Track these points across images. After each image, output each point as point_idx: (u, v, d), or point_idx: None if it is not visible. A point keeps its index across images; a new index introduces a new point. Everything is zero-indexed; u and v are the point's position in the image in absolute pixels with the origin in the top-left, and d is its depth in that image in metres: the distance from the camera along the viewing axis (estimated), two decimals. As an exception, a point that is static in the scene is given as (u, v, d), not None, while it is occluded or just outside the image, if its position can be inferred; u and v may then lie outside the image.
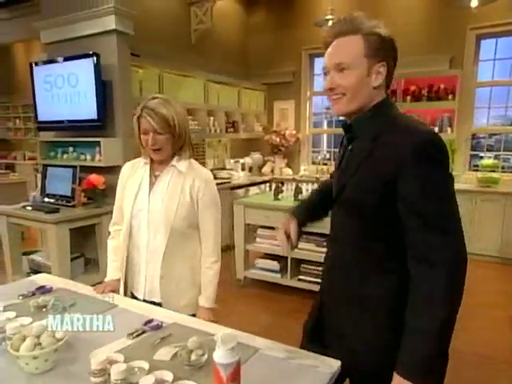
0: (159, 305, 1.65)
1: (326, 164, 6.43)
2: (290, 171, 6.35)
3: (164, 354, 1.19)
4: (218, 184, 4.76)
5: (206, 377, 1.06)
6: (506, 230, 4.64)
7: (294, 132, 6.34)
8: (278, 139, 6.24)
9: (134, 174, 1.71)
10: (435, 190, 1.04)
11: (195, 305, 1.69)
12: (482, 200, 4.74)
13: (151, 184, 1.67)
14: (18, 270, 3.65)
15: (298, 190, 3.84)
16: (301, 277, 3.70)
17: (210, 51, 5.85)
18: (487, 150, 5.41)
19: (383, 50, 1.14)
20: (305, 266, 3.69)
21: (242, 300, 3.74)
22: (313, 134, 6.65)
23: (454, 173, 5.29)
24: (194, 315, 1.62)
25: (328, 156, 6.67)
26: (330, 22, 4.95)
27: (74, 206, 3.42)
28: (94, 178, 3.41)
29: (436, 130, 5.28)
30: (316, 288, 3.57)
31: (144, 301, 1.66)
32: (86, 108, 3.46)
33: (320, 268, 3.63)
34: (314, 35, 6.08)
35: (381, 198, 1.11)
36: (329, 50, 1.17)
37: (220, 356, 0.91)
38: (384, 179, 1.09)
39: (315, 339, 1.38)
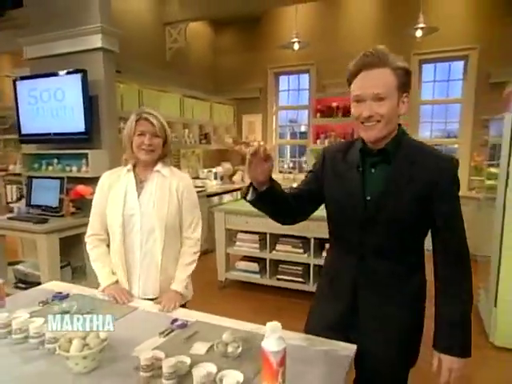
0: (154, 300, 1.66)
1: (290, 172, 6.58)
2: (258, 179, 6.43)
3: (199, 348, 1.22)
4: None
5: (243, 366, 1.11)
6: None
7: (263, 143, 6.42)
8: (247, 150, 6.31)
9: (116, 182, 1.71)
10: (458, 206, 1.23)
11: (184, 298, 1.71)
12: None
13: (138, 189, 1.69)
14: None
15: None
16: (279, 276, 3.78)
17: (184, 68, 5.86)
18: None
19: (407, 83, 1.21)
20: (282, 266, 3.77)
21: (223, 300, 3.76)
22: (278, 145, 6.80)
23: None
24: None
25: (292, 165, 6.86)
26: (296, 45, 5.14)
27: (62, 216, 3.29)
28: (82, 188, 3.30)
29: (388, 141, 5.62)
30: (294, 286, 3.65)
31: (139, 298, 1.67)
32: (73, 121, 3.36)
33: (296, 267, 3.75)
34: (278, 56, 6.26)
35: (417, 216, 1.22)
36: (363, 79, 1.19)
37: (270, 344, 0.96)
38: (420, 198, 1.19)
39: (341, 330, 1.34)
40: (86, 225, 3.27)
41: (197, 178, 5.92)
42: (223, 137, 6.37)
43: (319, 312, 1.43)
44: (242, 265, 3.94)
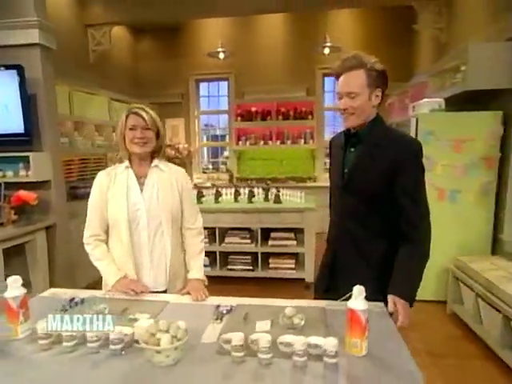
0: (164, 292, 1.63)
1: (213, 172, 6.61)
2: (185, 180, 6.29)
3: (262, 326, 1.22)
4: None
5: (311, 335, 1.15)
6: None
7: (187, 145, 6.32)
8: (173, 152, 6.12)
9: (114, 181, 1.60)
10: (420, 184, 1.40)
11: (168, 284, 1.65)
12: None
13: (139, 185, 1.60)
14: None
15: (236, 194, 3.94)
16: (229, 267, 3.81)
17: (108, 71, 5.40)
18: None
19: (379, 80, 1.39)
20: (232, 257, 3.82)
21: None
22: (201, 147, 6.74)
23: (315, 174, 6.14)
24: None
25: (211, 166, 6.90)
26: (221, 55, 5.18)
27: (1, 225, 2.78)
28: (24, 193, 2.84)
29: (302, 142, 6.06)
30: (243, 274, 3.75)
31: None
32: (8, 121, 2.86)
33: (245, 257, 3.83)
34: (198, 63, 6.21)
35: (380, 188, 1.40)
36: (341, 80, 1.40)
37: (358, 304, 1.05)
38: (387, 174, 1.37)
39: (327, 286, 1.56)
40: (31, 233, 2.89)
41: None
42: (149, 140, 6.05)
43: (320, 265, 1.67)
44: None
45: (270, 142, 6.05)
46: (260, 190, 4.12)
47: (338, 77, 1.42)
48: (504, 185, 3.03)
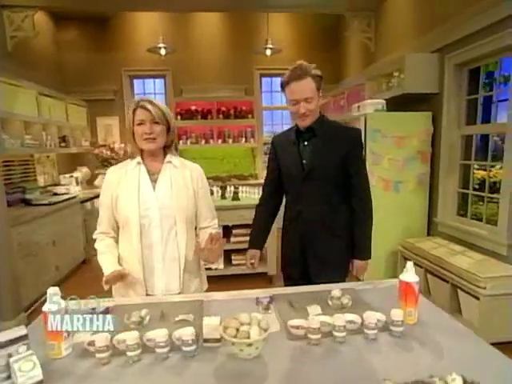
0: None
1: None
2: (123, 182, 5.88)
3: (314, 310, 1.27)
4: (66, 200, 4.11)
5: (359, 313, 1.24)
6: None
7: (123, 145, 5.91)
8: (108, 152, 5.67)
9: (125, 178, 1.51)
10: (363, 162, 1.77)
11: (200, 290, 1.62)
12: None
13: (151, 182, 1.52)
14: None
15: None
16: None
17: (32, 62, 4.77)
18: (274, 154, 6.67)
19: (320, 84, 1.63)
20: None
21: None
22: (139, 147, 6.35)
23: (256, 171, 6.27)
24: None
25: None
26: (163, 51, 4.98)
27: None
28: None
29: (243, 140, 6.14)
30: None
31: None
32: None
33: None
34: (133, 58, 5.85)
35: (338, 170, 1.67)
36: (295, 88, 1.57)
37: (411, 277, 1.16)
38: (340, 157, 1.65)
39: (297, 265, 1.77)
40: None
41: (57, 184, 4.95)
42: (80, 140, 5.51)
43: (284, 254, 1.87)
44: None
45: (211, 141, 6.00)
46: (216, 189, 4.09)
47: (287, 84, 1.59)
48: (436, 175, 3.52)
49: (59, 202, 4.06)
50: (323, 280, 1.56)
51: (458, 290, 2.67)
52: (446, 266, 2.80)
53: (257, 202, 1.91)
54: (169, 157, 1.56)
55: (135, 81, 6.12)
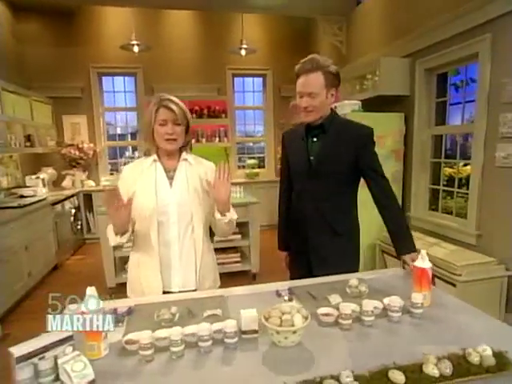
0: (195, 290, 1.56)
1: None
2: (92, 183, 5.64)
3: (335, 298, 1.33)
4: (36, 202, 3.90)
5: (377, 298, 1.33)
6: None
7: (92, 145, 5.67)
8: (77, 153, 5.42)
9: (141, 175, 1.50)
10: (377, 157, 1.67)
11: (214, 287, 1.62)
12: (256, 188, 5.92)
13: (168, 179, 1.53)
14: None
15: None
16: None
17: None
18: (247, 153, 6.72)
19: (334, 81, 1.59)
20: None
21: None
22: (108, 147, 6.12)
23: (229, 171, 6.32)
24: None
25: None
26: (136, 48, 4.85)
27: None
28: None
29: (217, 140, 6.12)
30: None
31: (179, 293, 1.51)
32: None
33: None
34: (102, 54, 5.64)
35: (347, 168, 1.63)
36: (302, 81, 1.56)
37: (426, 264, 1.26)
38: (349, 155, 1.61)
39: (301, 264, 1.75)
40: None
41: (21, 186, 4.66)
42: (45, 139, 5.21)
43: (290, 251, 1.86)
44: (135, 265, 3.56)
45: (185, 141, 5.92)
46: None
47: (297, 77, 1.58)
48: (408, 173, 3.75)
49: (29, 204, 3.83)
50: None
51: (436, 279, 2.88)
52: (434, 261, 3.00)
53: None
54: (184, 154, 1.57)
55: (104, 78, 5.90)
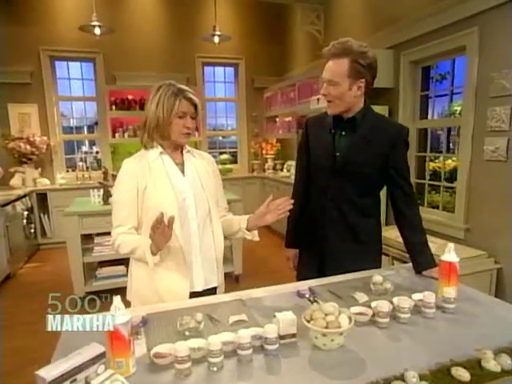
0: (215, 289, 1.57)
1: (82, 170, 5.79)
2: (46, 181, 5.29)
3: (361, 296, 1.34)
4: None
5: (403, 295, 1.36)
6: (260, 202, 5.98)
7: (45, 138, 5.31)
8: (28, 147, 5.06)
9: (149, 169, 1.43)
10: (407, 162, 1.64)
11: (223, 283, 1.64)
12: (229, 185, 5.86)
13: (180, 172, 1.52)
14: None
15: None
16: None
17: None
18: (219, 148, 6.65)
19: (363, 72, 1.49)
20: (153, 260, 3.54)
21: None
22: (63, 140, 5.76)
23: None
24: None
25: (81, 163, 6.04)
26: (97, 30, 4.60)
27: None
28: None
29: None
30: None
31: (202, 292, 1.50)
32: None
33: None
34: (54, 36, 5.30)
35: (375, 169, 1.59)
36: (326, 66, 1.51)
37: (453, 257, 1.31)
38: (379, 155, 1.56)
39: (313, 269, 1.69)
40: None
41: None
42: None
43: (300, 252, 1.83)
44: (106, 271, 3.39)
45: (152, 134, 5.73)
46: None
47: (326, 62, 1.52)
48: (393, 166, 3.89)
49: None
50: None
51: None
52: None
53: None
54: (187, 147, 1.56)
55: (57, 63, 5.54)
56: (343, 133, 1.62)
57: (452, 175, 3.70)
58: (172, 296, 1.42)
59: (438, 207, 3.51)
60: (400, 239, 3.22)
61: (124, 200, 1.41)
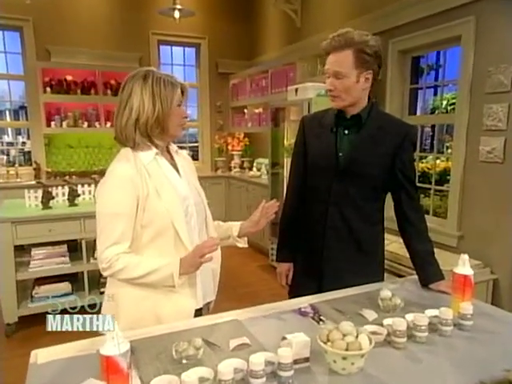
0: (209, 304, 1.63)
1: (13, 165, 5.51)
2: (-39, 178, 4.98)
3: (370, 313, 1.40)
4: None
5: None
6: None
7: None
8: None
9: (147, 174, 1.42)
10: (414, 165, 1.77)
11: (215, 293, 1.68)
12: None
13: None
14: None
15: (74, 194, 3.46)
16: (103, 289, 3.42)
17: None
18: (178, 142, 6.56)
19: (369, 62, 1.59)
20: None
21: (20, 350, 2.94)
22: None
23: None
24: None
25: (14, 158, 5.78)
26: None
27: None
28: None
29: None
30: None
31: (200, 309, 1.54)
32: None
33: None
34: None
35: (381, 171, 1.66)
36: (329, 59, 1.60)
37: (469, 270, 1.40)
38: (388, 157, 1.64)
39: (311, 283, 1.75)
40: None
41: None
42: None
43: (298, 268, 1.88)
44: (46, 289, 3.25)
45: (96, 124, 5.57)
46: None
47: (326, 56, 1.61)
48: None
49: None
50: None
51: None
52: (403, 261, 3.27)
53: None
54: (174, 146, 1.60)
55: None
56: (346, 132, 1.69)
57: (442, 177, 3.93)
58: (175, 316, 1.41)
59: (427, 212, 3.71)
60: (387, 247, 3.38)
61: (122, 213, 1.37)
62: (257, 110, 5.77)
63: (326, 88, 1.65)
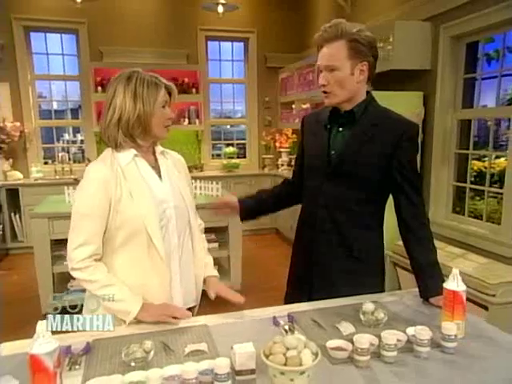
0: (193, 308, 1.67)
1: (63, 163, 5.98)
2: (19, 174, 5.50)
3: (346, 327, 1.36)
4: None
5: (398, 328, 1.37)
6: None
7: (18, 124, 5.51)
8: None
9: (123, 175, 1.47)
10: (416, 165, 1.68)
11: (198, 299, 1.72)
12: (235, 183, 5.93)
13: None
14: None
15: None
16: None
17: None
18: (225, 139, 6.72)
19: (364, 52, 1.54)
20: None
21: None
22: (40, 127, 5.97)
23: (202, 161, 6.27)
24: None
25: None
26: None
27: None
28: None
29: (186, 121, 6.07)
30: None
31: None
32: None
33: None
34: (29, 2, 5.45)
35: (376, 171, 1.61)
36: (322, 52, 1.56)
37: (460, 285, 1.32)
38: (384, 157, 1.58)
39: (301, 289, 1.75)
40: None
41: None
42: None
43: (290, 267, 1.89)
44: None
45: (143, 122, 5.85)
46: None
47: (318, 50, 1.59)
48: (427, 167, 3.84)
49: None
50: None
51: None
52: (447, 271, 3.09)
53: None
54: (160, 147, 1.63)
55: (32, 34, 5.74)
56: (340, 128, 1.67)
57: (501, 178, 3.64)
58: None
59: (481, 217, 3.46)
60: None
61: (92, 214, 1.43)
62: (304, 106, 5.72)
63: (320, 83, 1.60)
